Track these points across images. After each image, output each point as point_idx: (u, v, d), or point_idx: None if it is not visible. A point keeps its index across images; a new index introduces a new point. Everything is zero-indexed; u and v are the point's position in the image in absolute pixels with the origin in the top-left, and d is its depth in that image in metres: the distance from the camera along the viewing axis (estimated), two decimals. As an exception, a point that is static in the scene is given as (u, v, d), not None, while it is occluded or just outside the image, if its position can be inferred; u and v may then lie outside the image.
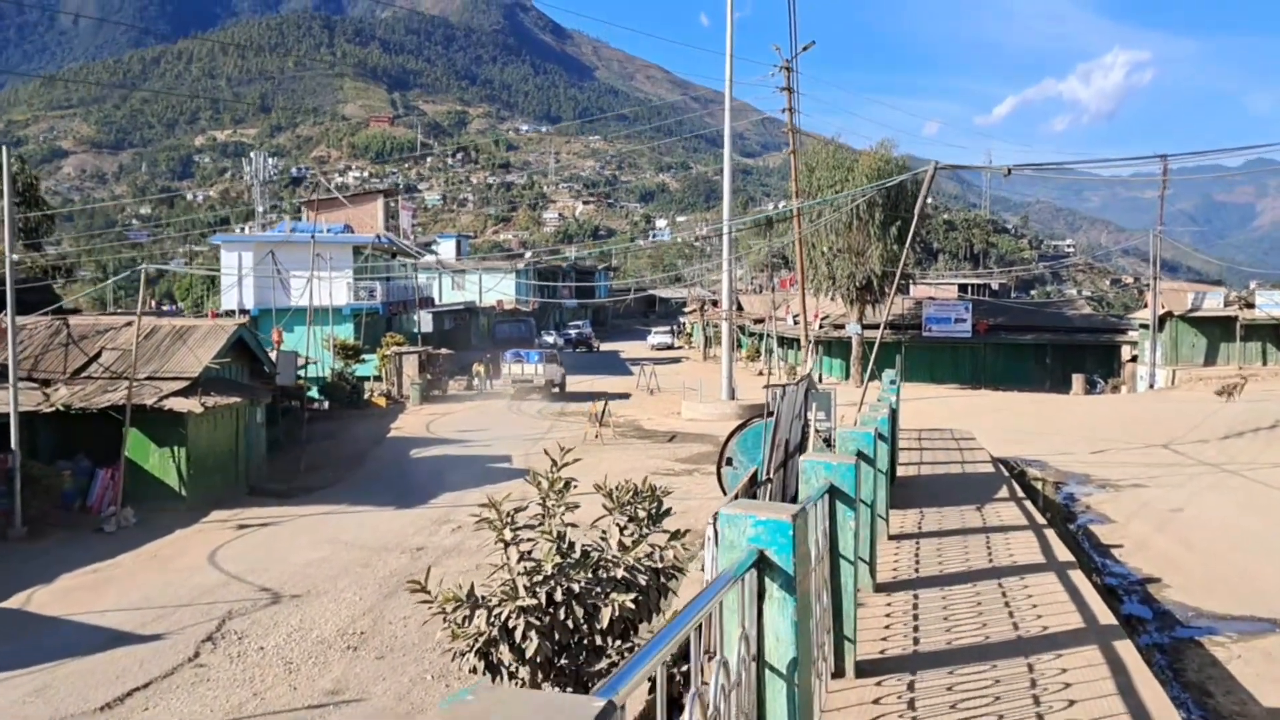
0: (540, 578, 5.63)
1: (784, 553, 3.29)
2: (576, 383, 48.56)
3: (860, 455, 7.05)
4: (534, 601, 5.43)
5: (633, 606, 5.50)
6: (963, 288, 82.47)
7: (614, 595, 5.47)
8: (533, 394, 44.63)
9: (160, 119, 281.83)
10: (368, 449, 31.16)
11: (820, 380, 53.74)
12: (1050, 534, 9.46)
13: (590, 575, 5.58)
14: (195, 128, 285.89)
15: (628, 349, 79.41)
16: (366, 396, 42.13)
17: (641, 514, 6.13)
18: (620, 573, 5.65)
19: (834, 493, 5.14)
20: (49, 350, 22.71)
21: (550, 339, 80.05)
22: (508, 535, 5.88)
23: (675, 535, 6.04)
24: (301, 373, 42.05)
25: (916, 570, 8.00)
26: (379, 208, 61.07)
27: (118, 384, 21.32)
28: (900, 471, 13.95)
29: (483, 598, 5.63)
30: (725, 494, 13.81)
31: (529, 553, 5.97)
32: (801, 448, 12.97)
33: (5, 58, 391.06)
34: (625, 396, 44.90)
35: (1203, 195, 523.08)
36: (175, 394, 20.99)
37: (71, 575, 17.14)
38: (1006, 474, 14.66)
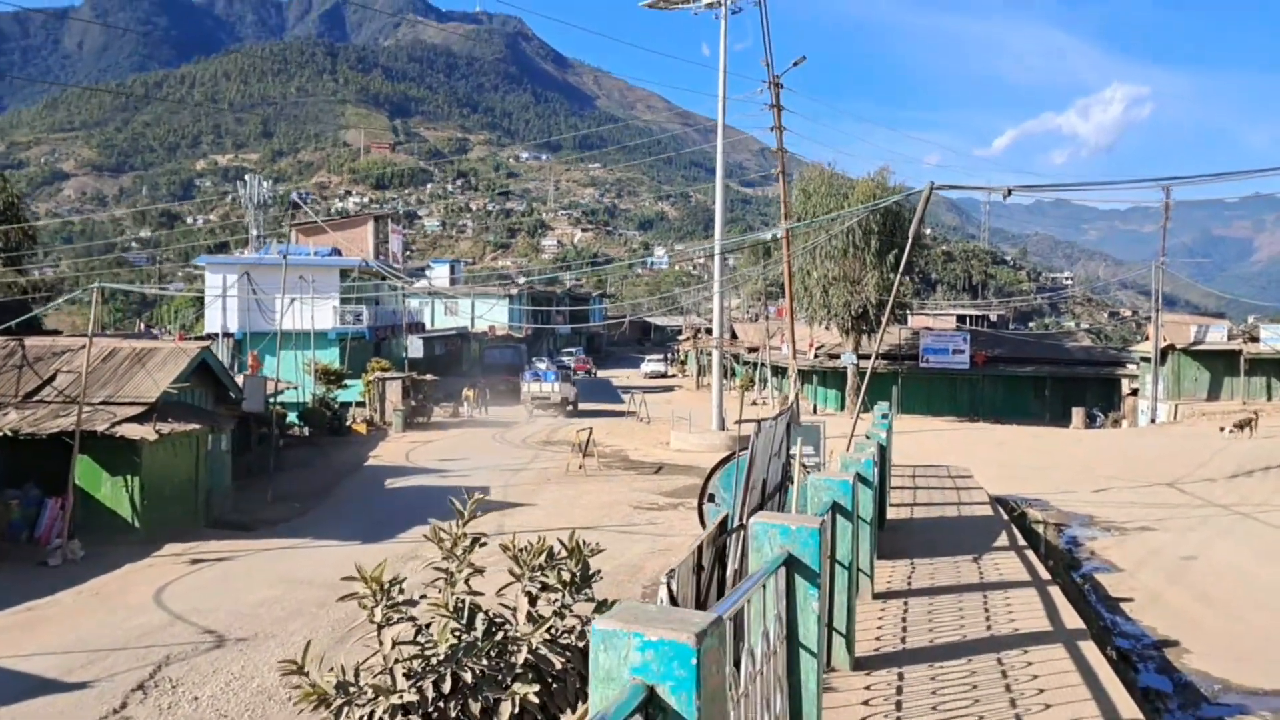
0: (433, 663, 4.53)
1: (684, 690, 2.20)
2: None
3: (836, 507, 5.98)
4: (415, 697, 4.32)
5: (537, 701, 4.39)
6: (961, 319, 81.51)
7: (516, 686, 4.36)
8: (549, 410, 48.90)
9: (162, 143, 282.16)
10: (341, 478, 30.00)
11: (815, 411, 52.77)
12: (1055, 593, 8.35)
13: (490, 660, 4.48)
14: (197, 152, 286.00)
15: (621, 377, 78.41)
16: (348, 423, 40.97)
17: (565, 578, 5.03)
18: (524, 655, 4.55)
19: (792, 564, 4.05)
20: (1, 372, 21.62)
21: (542, 366, 79.16)
22: (379, 615, 4.77)
23: (600, 606, 4.94)
24: (279, 398, 41.08)
25: (903, 640, 6.89)
26: (369, 231, 60.09)
27: (71, 408, 20.20)
28: (891, 514, 12.84)
29: (360, 687, 4.53)
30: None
31: (427, 625, 4.87)
32: (782, 487, 11.88)
33: (9, 80, 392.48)
34: (631, 414, 47.55)
35: (1201, 229, 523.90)
36: (129, 420, 19.86)
37: (2, 614, 15.98)
38: (1006, 517, 13.54)
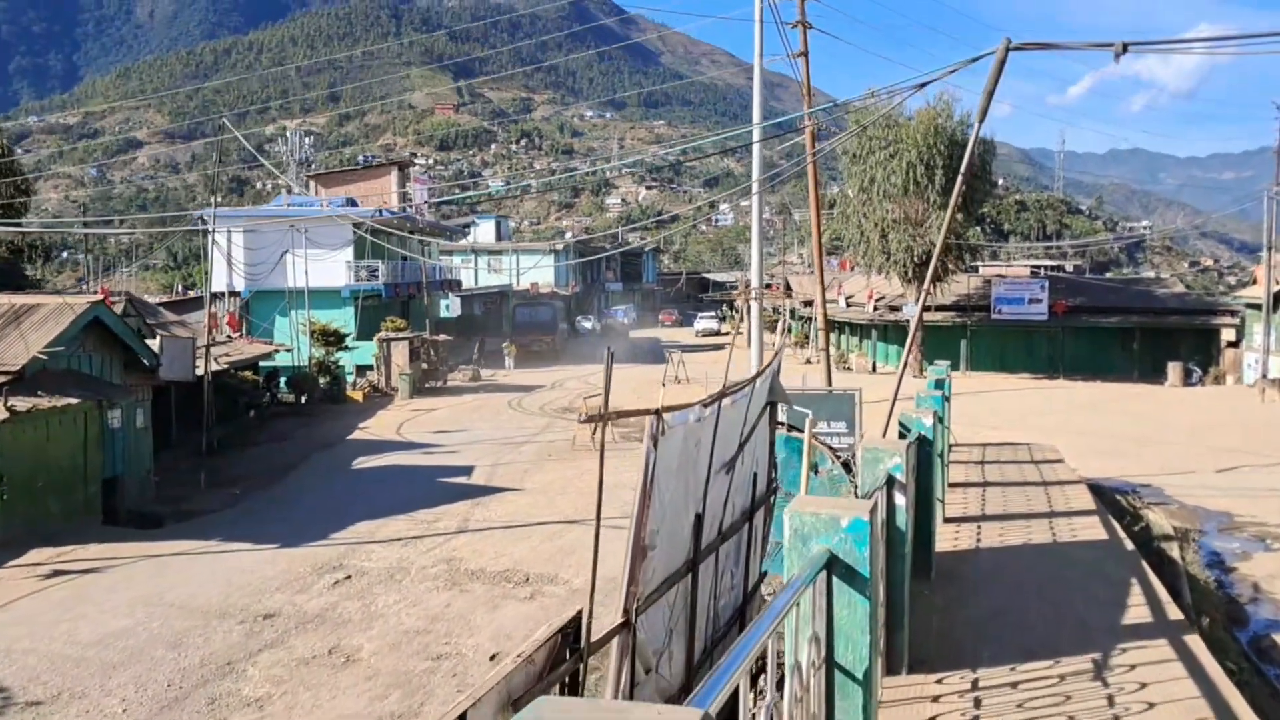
0: None
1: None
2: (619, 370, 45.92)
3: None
4: None
5: None
6: (1035, 271, 75.32)
7: None
8: (618, 335, 67.49)
9: (232, 109, 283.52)
10: (307, 456, 25.75)
11: (873, 370, 47.62)
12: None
13: None
14: (265, 117, 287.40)
15: (672, 335, 74.04)
16: (346, 390, 36.91)
17: None
18: None
19: None
20: None
21: (588, 325, 75.20)
22: None
23: None
24: (270, 361, 37.13)
25: None
26: (392, 181, 55.83)
27: (-81, 381, 16.08)
28: (944, 542, 8.11)
29: None
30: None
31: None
32: (763, 505, 7.20)
33: (84, 51, 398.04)
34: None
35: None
36: (-20, 394, 15.68)
37: None
38: (1128, 542, 8.70)
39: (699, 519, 5.37)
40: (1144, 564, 7.53)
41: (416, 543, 16.88)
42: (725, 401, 5.47)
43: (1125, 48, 10.30)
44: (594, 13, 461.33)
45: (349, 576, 14.95)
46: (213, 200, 26.15)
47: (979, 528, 9.02)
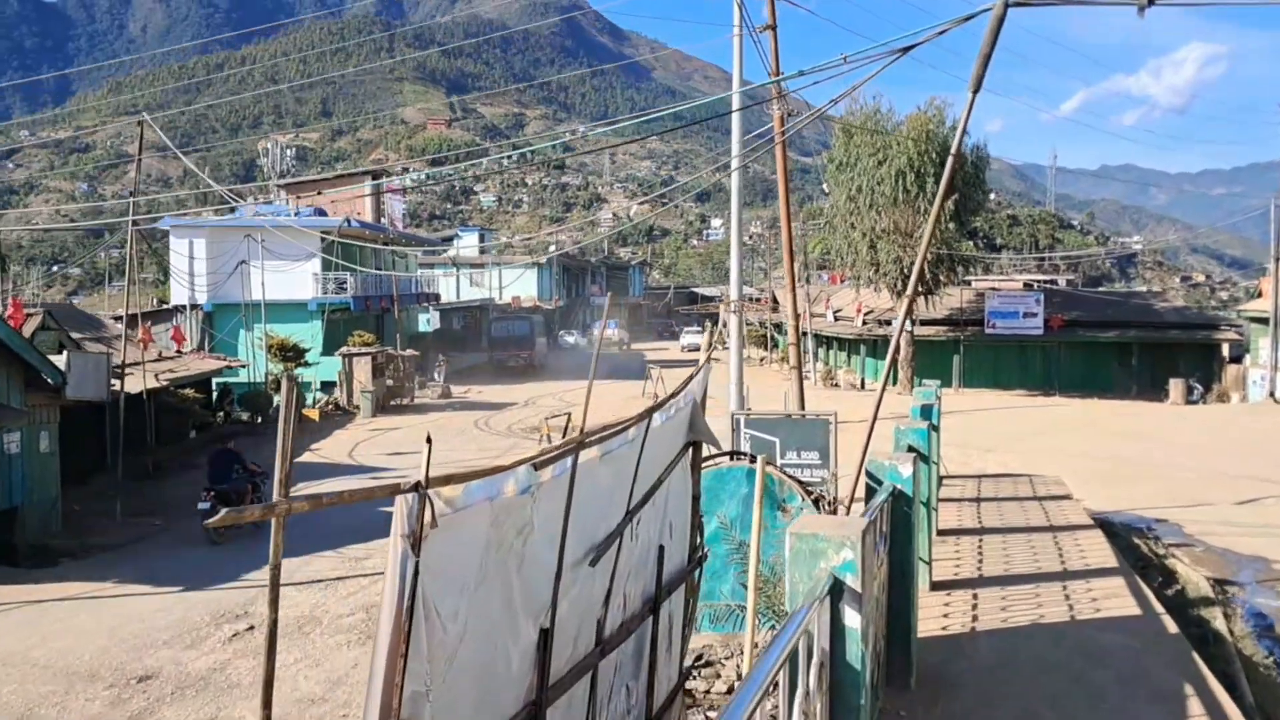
0: None
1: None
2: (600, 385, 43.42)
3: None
4: None
5: None
6: (1029, 285, 73.59)
7: None
8: (611, 348, 70.23)
9: (224, 123, 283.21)
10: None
11: (862, 386, 45.76)
12: None
13: None
14: (258, 132, 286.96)
15: (658, 350, 72.26)
16: (310, 407, 34.98)
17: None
18: None
19: None
20: None
21: (571, 339, 73.69)
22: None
23: None
24: (225, 379, 35.26)
25: None
26: (366, 190, 53.98)
27: None
28: (930, 619, 6.22)
29: None
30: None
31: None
32: (667, 600, 5.27)
33: (76, 65, 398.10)
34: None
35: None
36: None
37: None
38: (1168, 620, 6.81)
39: (545, 637, 3.47)
40: (1198, 662, 5.67)
41: (338, 585, 14.97)
42: (590, 453, 3.59)
43: (1150, 0, 8.50)
44: (586, 29, 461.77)
45: (251, 627, 13.03)
46: (130, 205, 24.13)
47: (974, 596, 7.14)
